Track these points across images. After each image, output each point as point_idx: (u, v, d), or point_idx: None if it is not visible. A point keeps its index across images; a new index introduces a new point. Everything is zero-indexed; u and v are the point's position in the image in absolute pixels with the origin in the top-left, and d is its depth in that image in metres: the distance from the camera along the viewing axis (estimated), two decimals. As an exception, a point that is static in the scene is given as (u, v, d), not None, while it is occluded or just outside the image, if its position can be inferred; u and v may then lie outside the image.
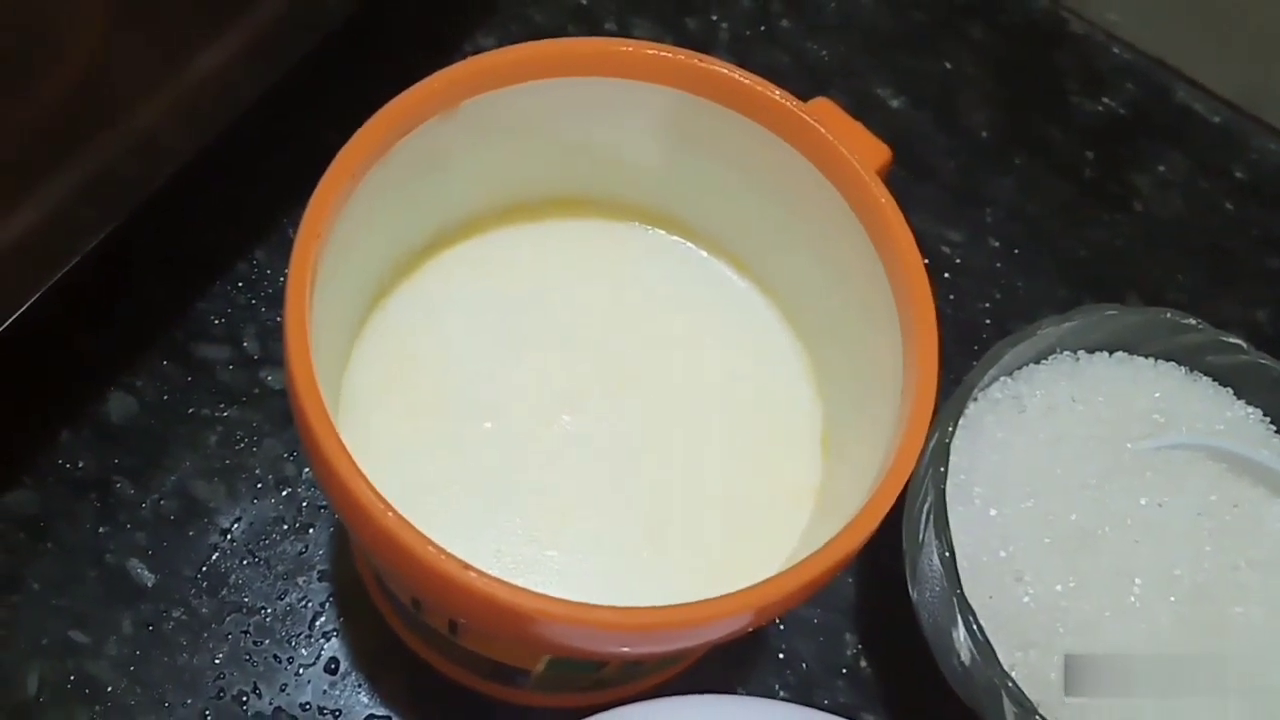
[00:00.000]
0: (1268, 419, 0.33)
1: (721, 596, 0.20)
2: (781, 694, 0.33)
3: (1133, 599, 0.30)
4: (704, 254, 0.30)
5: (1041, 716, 0.27)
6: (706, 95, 0.26)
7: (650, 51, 0.25)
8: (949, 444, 0.30)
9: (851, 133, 0.27)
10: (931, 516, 0.29)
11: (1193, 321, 0.33)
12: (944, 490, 0.29)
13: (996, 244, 0.41)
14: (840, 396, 0.28)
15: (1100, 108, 0.44)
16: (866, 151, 0.26)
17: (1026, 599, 0.30)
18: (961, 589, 0.28)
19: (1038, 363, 0.33)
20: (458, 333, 0.28)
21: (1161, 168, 0.43)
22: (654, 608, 0.20)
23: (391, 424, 0.27)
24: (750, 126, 0.26)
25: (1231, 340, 0.33)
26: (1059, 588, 0.30)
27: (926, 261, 0.40)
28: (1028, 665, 0.29)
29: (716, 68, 0.25)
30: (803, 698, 0.33)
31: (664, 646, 0.22)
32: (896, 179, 0.42)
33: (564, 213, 0.29)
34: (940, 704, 0.30)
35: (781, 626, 0.34)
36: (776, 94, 0.25)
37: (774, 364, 0.29)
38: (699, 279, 0.30)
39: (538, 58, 0.24)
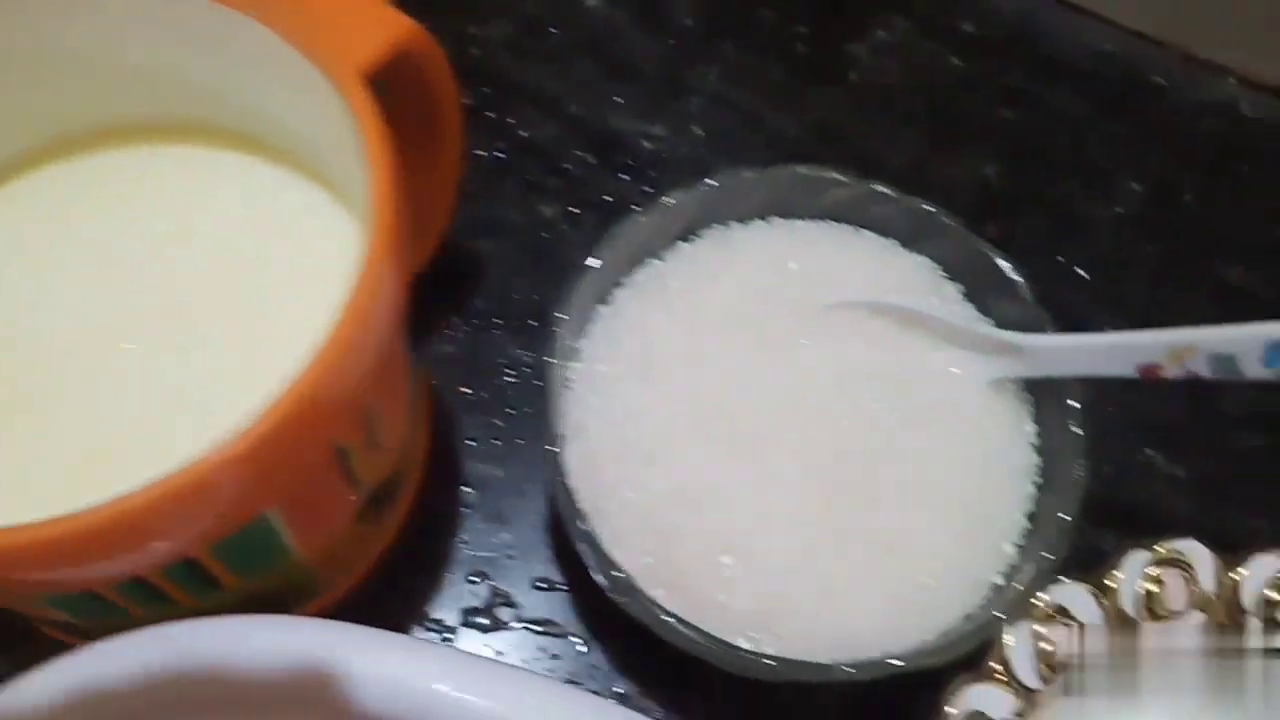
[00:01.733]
0: (938, 266, 0.31)
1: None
2: (473, 617, 0.31)
3: (779, 470, 0.28)
4: (267, 165, 0.28)
5: (649, 597, 0.26)
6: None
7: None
8: (558, 332, 0.28)
9: (356, 9, 0.25)
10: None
11: (838, 176, 0.31)
12: (556, 379, 0.28)
13: (701, 133, 0.39)
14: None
15: (816, -21, 0.42)
16: (373, 28, 0.24)
17: (663, 484, 0.28)
18: (565, 477, 0.27)
19: (687, 239, 0.32)
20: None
21: (880, 33, 0.41)
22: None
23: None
24: (236, 18, 0.24)
25: (884, 190, 0.31)
26: (701, 466, 0.28)
27: (630, 162, 0.39)
28: (669, 547, 0.28)
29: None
30: (493, 618, 0.31)
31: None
32: (591, 80, 0.40)
33: (118, 142, 0.28)
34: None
35: (479, 553, 0.32)
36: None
37: (341, 266, 0.27)
38: (264, 192, 0.28)
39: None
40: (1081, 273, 0.38)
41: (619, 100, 0.39)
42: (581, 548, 0.27)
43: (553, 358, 0.28)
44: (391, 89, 0.28)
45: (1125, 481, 0.35)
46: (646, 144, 0.39)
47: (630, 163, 0.38)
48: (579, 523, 0.26)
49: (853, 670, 0.26)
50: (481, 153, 0.38)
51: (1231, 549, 0.30)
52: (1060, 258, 0.38)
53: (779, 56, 0.40)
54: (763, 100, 0.40)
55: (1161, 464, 0.35)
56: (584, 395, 0.29)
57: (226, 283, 0.27)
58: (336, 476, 0.23)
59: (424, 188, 0.31)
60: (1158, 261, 0.39)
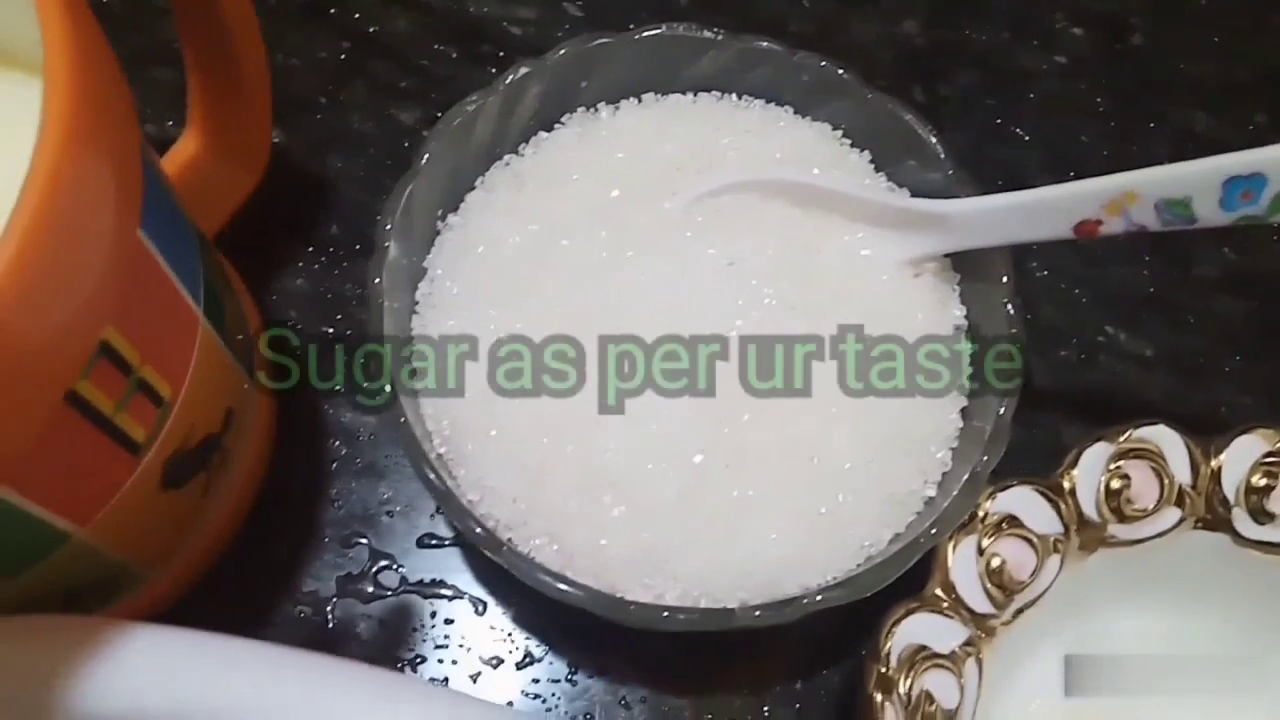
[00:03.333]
0: (839, 132, 0.27)
1: None
2: (352, 585, 0.27)
3: (661, 385, 0.24)
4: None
5: (517, 550, 0.21)
6: None
7: None
8: (387, 246, 0.24)
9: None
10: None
11: (710, 34, 0.26)
12: (384, 305, 0.23)
13: (578, 11, 0.34)
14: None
15: None
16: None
17: (526, 416, 0.23)
18: (409, 419, 0.22)
19: (550, 129, 0.27)
20: None
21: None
22: None
23: None
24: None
25: (768, 44, 0.26)
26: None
27: (499, 53, 0.34)
28: (541, 489, 0.23)
29: None
30: (375, 583, 0.27)
31: None
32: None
33: None
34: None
35: (353, 513, 0.28)
36: None
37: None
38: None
39: None
40: (1022, 133, 0.33)
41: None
42: (438, 499, 0.22)
43: (380, 277, 0.23)
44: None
45: (1086, 366, 0.31)
46: (515, 29, 0.34)
47: (499, 53, 0.33)
48: (428, 471, 0.22)
49: (759, 614, 0.22)
50: (324, 55, 0.33)
51: (1212, 432, 0.25)
52: (997, 119, 0.33)
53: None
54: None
55: (1125, 343, 0.31)
56: (434, 319, 0.25)
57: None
58: (91, 436, 0.18)
59: (227, 94, 0.26)
60: (1108, 114, 0.34)
